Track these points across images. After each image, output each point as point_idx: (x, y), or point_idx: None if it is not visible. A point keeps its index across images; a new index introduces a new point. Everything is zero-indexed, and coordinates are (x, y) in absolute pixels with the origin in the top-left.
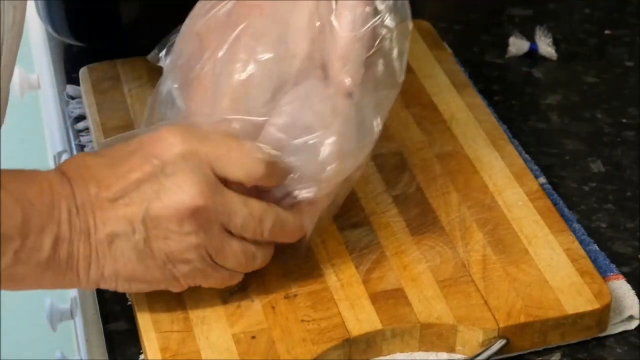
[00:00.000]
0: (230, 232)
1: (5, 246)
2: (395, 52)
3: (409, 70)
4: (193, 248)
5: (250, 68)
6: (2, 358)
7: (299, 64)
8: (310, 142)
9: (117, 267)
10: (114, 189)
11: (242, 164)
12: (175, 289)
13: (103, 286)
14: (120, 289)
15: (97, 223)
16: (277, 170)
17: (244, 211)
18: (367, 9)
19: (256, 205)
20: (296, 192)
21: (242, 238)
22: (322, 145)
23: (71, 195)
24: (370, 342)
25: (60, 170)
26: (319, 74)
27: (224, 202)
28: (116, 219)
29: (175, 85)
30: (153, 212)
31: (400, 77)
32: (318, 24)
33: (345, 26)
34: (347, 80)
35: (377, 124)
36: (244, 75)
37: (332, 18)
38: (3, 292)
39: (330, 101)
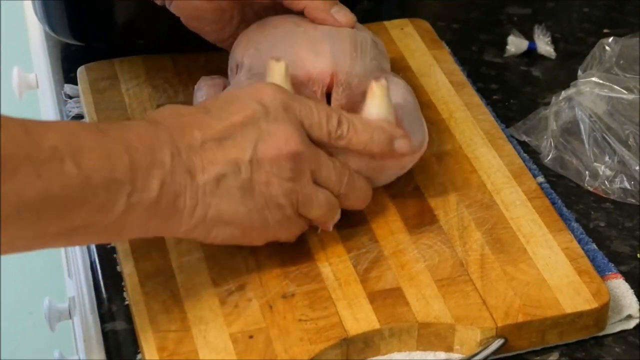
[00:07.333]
0: (316, 184)
1: (118, 191)
2: None
3: (408, 69)
4: (288, 193)
5: None
6: (2, 358)
7: None
8: None
9: (221, 207)
10: (220, 131)
11: (323, 123)
12: (260, 240)
13: (200, 232)
14: (212, 236)
15: (205, 164)
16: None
17: (329, 163)
18: None
19: (336, 161)
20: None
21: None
22: None
23: (170, 140)
24: (368, 341)
25: (153, 119)
26: None
27: (315, 153)
28: (224, 159)
29: None
30: (259, 153)
31: None
32: None
33: None
34: None
35: None
36: None
37: None
38: (2, 292)
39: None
